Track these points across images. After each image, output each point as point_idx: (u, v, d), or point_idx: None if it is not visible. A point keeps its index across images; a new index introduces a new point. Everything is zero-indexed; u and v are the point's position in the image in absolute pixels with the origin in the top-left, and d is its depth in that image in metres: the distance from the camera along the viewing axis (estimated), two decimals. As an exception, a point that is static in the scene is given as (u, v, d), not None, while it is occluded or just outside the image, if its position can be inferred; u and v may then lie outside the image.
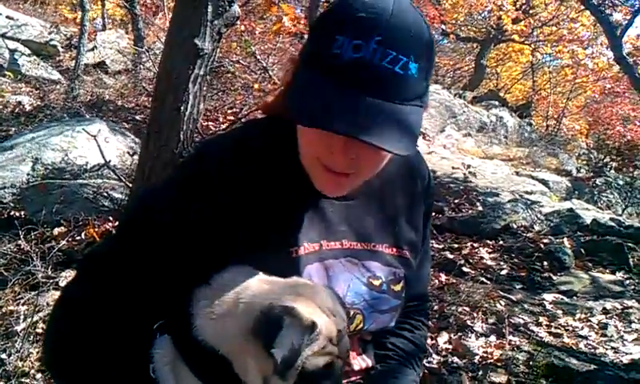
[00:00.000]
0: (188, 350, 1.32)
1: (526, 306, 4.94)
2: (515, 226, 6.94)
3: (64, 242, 4.72)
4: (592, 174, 12.56)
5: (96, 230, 4.94)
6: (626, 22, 8.56)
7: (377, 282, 1.56)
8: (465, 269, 5.65)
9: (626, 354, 4.15)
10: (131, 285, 1.41)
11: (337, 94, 1.24)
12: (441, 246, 6.26)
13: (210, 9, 4.16)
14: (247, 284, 1.33)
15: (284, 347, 1.17)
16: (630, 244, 6.48)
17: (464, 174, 8.85)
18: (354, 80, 1.24)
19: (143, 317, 1.42)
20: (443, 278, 5.18)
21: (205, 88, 4.50)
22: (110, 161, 6.21)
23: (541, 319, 4.69)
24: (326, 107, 1.23)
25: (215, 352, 1.27)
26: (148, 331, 1.42)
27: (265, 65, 10.10)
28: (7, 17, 12.51)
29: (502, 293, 5.11)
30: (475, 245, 6.45)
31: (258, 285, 1.33)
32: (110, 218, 5.22)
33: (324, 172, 1.39)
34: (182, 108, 4.27)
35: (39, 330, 3.70)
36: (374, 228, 1.60)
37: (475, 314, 4.59)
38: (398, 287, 1.59)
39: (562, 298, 5.20)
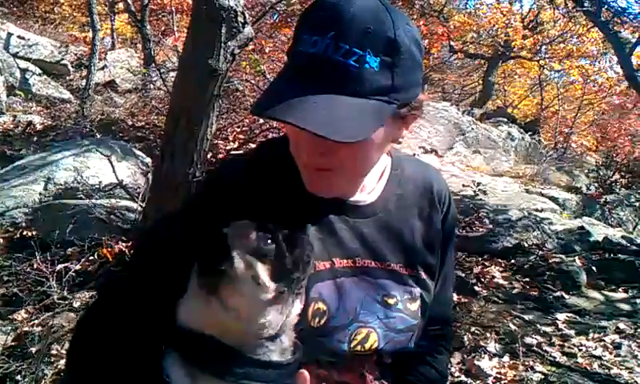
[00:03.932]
0: (183, 346, 1.31)
1: (538, 325, 4.91)
2: (526, 245, 6.91)
3: (78, 264, 4.74)
4: (602, 190, 12.50)
5: (110, 250, 4.94)
6: (635, 39, 8.54)
7: (392, 301, 1.55)
8: (476, 288, 5.63)
9: (641, 374, 4.13)
10: (149, 310, 1.42)
11: (287, 86, 1.28)
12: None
13: (223, 30, 4.20)
14: None
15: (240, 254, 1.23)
16: (642, 262, 6.46)
17: (474, 191, 8.82)
18: (304, 73, 1.28)
19: (160, 339, 1.43)
20: (455, 297, 5.16)
21: (218, 108, 4.53)
22: (122, 181, 6.24)
23: (554, 339, 4.67)
24: (272, 97, 1.28)
25: (202, 334, 1.25)
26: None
27: (274, 83, 10.08)
28: (18, 36, 12.61)
29: (514, 312, 5.09)
30: (486, 263, 6.43)
31: None
32: (123, 239, 5.23)
33: (308, 171, 1.42)
34: (196, 128, 4.31)
35: (54, 352, 3.70)
36: (389, 247, 1.58)
37: (488, 334, 4.58)
38: (414, 306, 1.58)
39: (574, 318, 5.17)
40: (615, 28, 8.46)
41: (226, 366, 1.24)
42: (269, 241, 1.28)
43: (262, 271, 1.25)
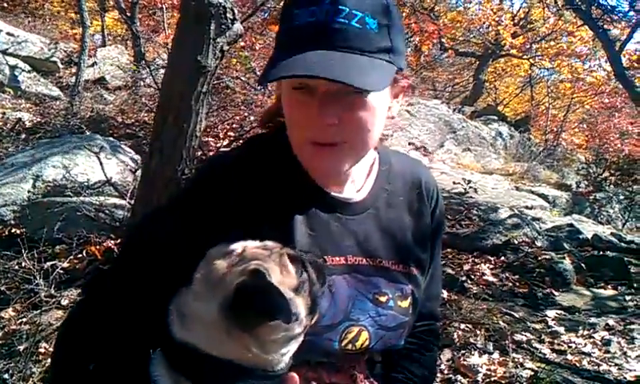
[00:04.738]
0: (177, 359, 1.29)
1: (528, 322, 4.93)
2: (516, 242, 6.92)
3: (66, 262, 4.71)
4: (592, 188, 12.55)
5: (97, 247, 4.92)
6: (625, 37, 8.58)
7: (383, 299, 1.53)
8: (466, 285, 5.63)
9: (630, 370, 4.14)
10: (136, 307, 1.40)
11: (295, 53, 1.28)
12: (442, 263, 6.23)
13: (212, 27, 4.18)
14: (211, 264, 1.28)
15: (282, 311, 1.14)
16: (631, 259, 6.48)
17: (464, 189, 8.84)
18: (310, 40, 1.28)
19: (147, 338, 1.42)
20: (445, 294, 5.15)
21: (207, 105, 4.51)
22: (111, 178, 6.21)
23: (543, 336, 4.68)
24: (282, 64, 1.27)
25: (208, 355, 1.20)
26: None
27: (264, 80, 10.07)
28: (7, 33, 12.54)
29: (504, 309, 5.10)
30: (476, 261, 6.44)
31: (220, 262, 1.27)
32: (112, 236, 5.20)
33: (313, 148, 1.40)
34: (185, 125, 4.29)
35: (42, 350, 3.68)
36: (380, 244, 1.58)
37: (478, 331, 4.58)
38: (405, 303, 1.57)
39: (564, 315, 5.19)
40: (605, 26, 8.49)
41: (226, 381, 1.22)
42: (302, 272, 1.25)
43: (301, 306, 1.23)
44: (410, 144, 11.94)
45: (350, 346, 1.48)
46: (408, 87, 1.51)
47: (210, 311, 1.20)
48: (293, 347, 1.26)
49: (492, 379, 3.91)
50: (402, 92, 1.49)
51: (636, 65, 12.17)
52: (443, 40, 17.51)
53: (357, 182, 1.59)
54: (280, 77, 1.30)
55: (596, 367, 4.19)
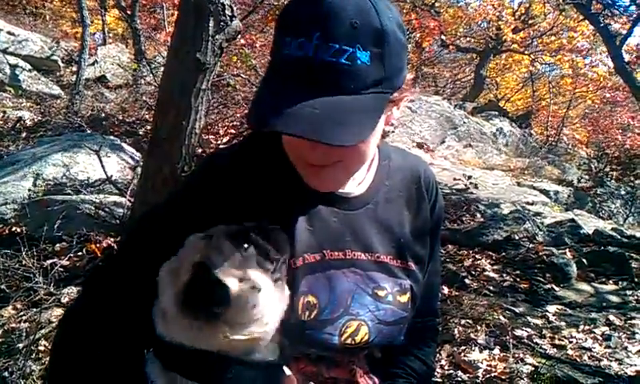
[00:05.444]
0: (164, 355, 1.30)
1: (529, 318, 4.92)
2: (517, 237, 6.92)
3: (66, 259, 4.71)
4: (593, 183, 12.54)
5: (98, 245, 4.91)
6: (625, 32, 8.56)
7: (382, 293, 1.54)
8: (467, 281, 5.63)
9: (631, 365, 4.14)
10: (134, 303, 1.40)
11: (283, 94, 1.23)
12: (442, 258, 6.24)
13: (211, 23, 4.18)
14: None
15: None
16: (632, 254, 6.48)
17: (465, 185, 8.83)
18: (297, 77, 1.24)
19: (147, 334, 1.42)
20: (445, 290, 5.15)
21: (206, 102, 4.50)
22: (111, 176, 6.21)
23: (544, 331, 4.68)
24: (270, 108, 1.23)
25: (195, 350, 1.23)
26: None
27: (265, 78, 10.07)
28: (8, 32, 12.56)
29: (504, 305, 5.10)
30: (477, 256, 6.44)
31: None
32: (112, 234, 5.20)
33: (307, 167, 1.39)
34: (184, 122, 4.28)
35: (41, 348, 3.67)
36: (378, 239, 1.58)
37: (478, 327, 4.58)
38: (404, 298, 1.57)
39: (565, 310, 5.18)
40: (605, 20, 8.46)
41: (215, 374, 1.23)
42: (245, 245, 1.26)
43: (257, 277, 1.24)
44: (412, 141, 11.93)
45: (349, 341, 1.48)
46: (410, 87, 1.46)
47: (171, 306, 1.24)
48: (272, 315, 1.27)
49: (492, 375, 3.91)
50: (402, 99, 1.45)
51: (636, 60, 12.16)
52: (444, 36, 17.45)
53: (357, 177, 1.58)
54: (265, 127, 1.24)
55: (597, 362, 4.18)
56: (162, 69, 5.91)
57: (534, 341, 4.48)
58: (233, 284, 1.21)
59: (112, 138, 8.24)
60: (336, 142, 1.20)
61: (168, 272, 1.29)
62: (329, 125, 1.20)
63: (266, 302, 1.24)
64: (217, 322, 1.21)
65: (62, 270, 4.58)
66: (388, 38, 1.28)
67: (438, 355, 4.06)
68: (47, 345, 3.66)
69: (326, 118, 1.21)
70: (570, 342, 4.51)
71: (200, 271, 1.21)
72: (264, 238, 1.30)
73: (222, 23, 4.23)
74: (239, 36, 4.96)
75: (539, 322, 4.88)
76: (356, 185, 1.58)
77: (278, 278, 1.28)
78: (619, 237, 7.32)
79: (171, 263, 1.30)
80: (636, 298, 5.49)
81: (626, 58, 9.38)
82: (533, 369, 3.96)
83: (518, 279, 5.86)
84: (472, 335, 4.45)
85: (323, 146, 1.26)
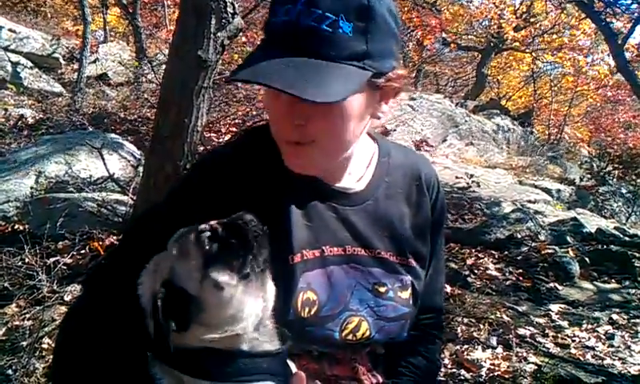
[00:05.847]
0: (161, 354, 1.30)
1: (531, 316, 4.92)
2: (519, 236, 6.91)
3: (68, 257, 4.71)
4: (595, 182, 12.52)
5: (100, 243, 4.92)
6: (627, 30, 8.55)
7: (382, 289, 1.54)
8: (470, 279, 5.63)
9: (634, 364, 4.13)
10: (133, 301, 1.40)
11: (262, 54, 1.28)
12: (445, 257, 6.21)
13: (213, 21, 4.17)
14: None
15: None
16: (634, 253, 6.47)
17: (467, 183, 8.83)
18: (280, 41, 1.28)
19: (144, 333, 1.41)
20: (448, 289, 5.15)
21: (208, 100, 4.49)
22: (113, 174, 6.21)
23: (547, 330, 4.67)
24: (248, 69, 1.27)
25: (188, 349, 1.25)
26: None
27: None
28: (9, 30, 12.53)
29: (507, 303, 5.09)
30: (480, 255, 6.44)
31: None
32: (114, 231, 5.20)
33: (286, 146, 1.41)
34: (186, 120, 4.27)
35: (45, 346, 3.67)
36: (378, 235, 1.58)
37: (481, 326, 4.57)
38: (405, 294, 1.57)
39: (567, 309, 5.18)
40: (607, 19, 8.44)
41: (217, 368, 1.24)
42: (206, 242, 1.26)
43: (218, 275, 1.24)
44: (413, 142, 11.92)
45: (350, 337, 1.49)
46: (401, 81, 1.46)
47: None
48: (246, 311, 1.27)
49: (495, 373, 3.90)
50: (393, 94, 1.46)
51: (638, 58, 12.15)
52: (445, 34, 17.44)
53: (356, 173, 1.59)
54: (239, 80, 1.33)
55: (600, 361, 4.18)
56: (164, 67, 5.90)
57: (537, 339, 4.48)
58: (194, 288, 1.22)
59: (114, 135, 8.24)
60: (304, 95, 1.21)
61: (147, 277, 1.31)
62: (301, 82, 1.22)
63: (234, 300, 1.24)
64: (191, 327, 1.23)
65: (64, 267, 4.58)
66: (374, 16, 1.30)
67: (441, 353, 4.06)
68: (51, 342, 3.66)
69: (299, 76, 1.23)
70: (573, 341, 4.51)
71: (167, 288, 1.23)
72: (233, 234, 1.29)
73: (223, 21, 4.22)
74: (241, 34, 4.95)
75: (542, 320, 4.88)
76: (355, 181, 1.59)
77: (247, 274, 1.26)
78: (622, 235, 7.31)
79: (149, 268, 1.32)
80: (639, 296, 5.49)
81: (628, 56, 9.38)
82: (536, 367, 3.96)
83: (521, 278, 5.85)
84: (475, 334, 4.45)
85: (297, 117, 1.32)
